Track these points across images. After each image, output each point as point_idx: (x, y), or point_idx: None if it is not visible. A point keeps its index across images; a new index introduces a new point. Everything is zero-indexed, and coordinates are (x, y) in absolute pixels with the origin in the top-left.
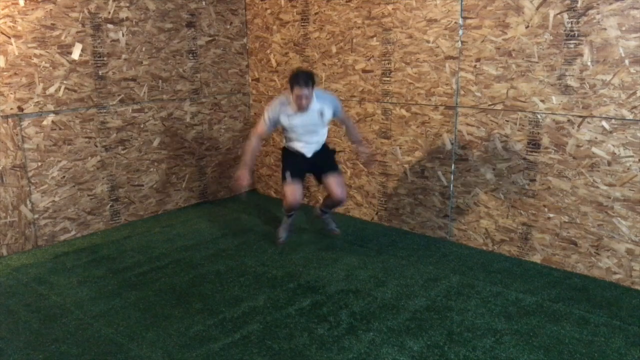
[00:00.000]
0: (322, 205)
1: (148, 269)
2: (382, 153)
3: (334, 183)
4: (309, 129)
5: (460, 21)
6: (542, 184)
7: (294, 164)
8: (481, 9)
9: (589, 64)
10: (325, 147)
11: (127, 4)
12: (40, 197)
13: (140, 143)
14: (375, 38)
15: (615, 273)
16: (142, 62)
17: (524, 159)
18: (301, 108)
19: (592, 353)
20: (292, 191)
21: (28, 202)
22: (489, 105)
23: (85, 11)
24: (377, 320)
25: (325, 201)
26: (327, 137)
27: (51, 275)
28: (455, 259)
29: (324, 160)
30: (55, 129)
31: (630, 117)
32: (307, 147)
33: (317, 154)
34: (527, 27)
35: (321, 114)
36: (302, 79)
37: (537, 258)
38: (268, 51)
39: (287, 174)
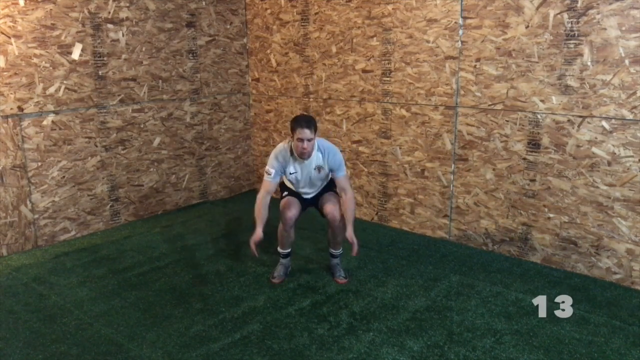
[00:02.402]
0: (329, 246)
1: (148, 269)
2: (382, 153)
3: (326, 200)
4: (309, 183)
5: (460, 21)
6: (542, 184)
7: (293, 192)
8: (481, 9)
9: (589, 64)
10: (327, 186)
11: (127, 4)
12: (40, 197)
13: (140, 143)
14: (375, 38)
15: (615, 273)
16: (142, 62)
17: (524, 159)
18: (302, 154)
19: (592, 353)
20: (288, 203)
21: (28, 202)
22: (489, 105)
23: (85, 11)
24: (377, 320)
25: (328, 237)
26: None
27: (51, 275)
28: (455, 259)
29: (323, 192)
30: (55, 129)
31: (630, 117)
32: (307, 192)
33: (318, 194)
34: (527, 27)
35: (319, 169)
36: (304, 121)
37: (537, 258)
38: (268, 51)
39: (285, 192)
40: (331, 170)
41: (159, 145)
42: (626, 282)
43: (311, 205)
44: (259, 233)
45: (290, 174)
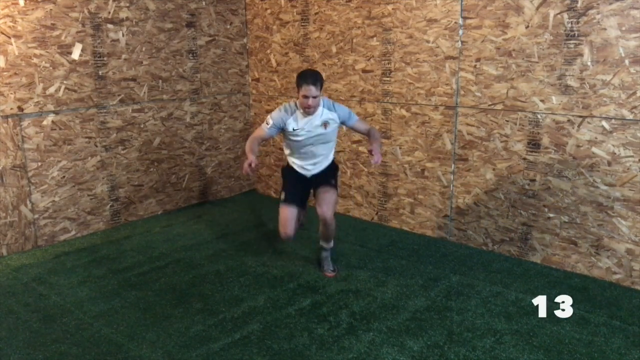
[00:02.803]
0: (320, 239)
1: (148, 269)
2: (382, 153)
3: (322, 198)
4: (312, 141)
5: (460, 21)
6: (542, 184)
7: (293, 185)
8: (481, 9)
9: (589, 64)
10: (328, 166)
11: (127, 4)
12: (40, 197)
13: (140, 143)
14: (375, 38)
15: (615, 273)
16: (142, 62)
17: (524, 159)
18: (308, 109)
19: (592, 353)
20: (285, 219)
21: (28, 202)
22: (489, 105)
23: (85, 11)
24: (377, 320)
25: (320, 230)
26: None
27: (51, 275)
28: (455, 259)
29: (323, 176)
30: (55, 129)
31: (630, 117)
32: (308, 163)
33: (318, 174)
34: (527, 27)
35: (325, 125)
36: (310, 77)
37: (537, 258)
38: (268, 51)
39: (283, 195)
40: (343, 123)
41: (159, 145)
42: (626, 282)
43: (310, 189)
44: (251, 158)
45: (294, 129)
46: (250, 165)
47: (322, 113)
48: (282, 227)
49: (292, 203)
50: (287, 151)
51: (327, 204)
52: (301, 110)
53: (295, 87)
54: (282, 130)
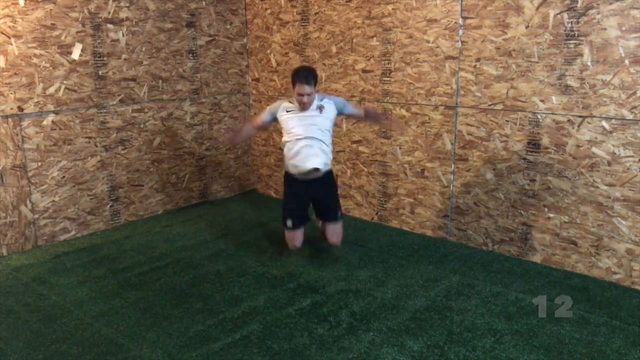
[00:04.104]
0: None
1: (148, 269)
2: (382, 153)
3: (331, 231)
4: (308, 127)
5: (460, 21)
6: (542, 184)
7: (295, 200)
8: (481, 9)
9: (589, 64)
10: (327, 177)
11: (127, 4)
12: (40, 197)
13: (140, 143)
14: (375, 38)
15: (615, 273)
16: (142, 62)
17: (524, 159)
18: (303, 106)
19: (592, 353)
20: (292, 239)
21: (28, 202)
22: (489, 105)
23: (85, 11)
24: (377, 320)
25: (322, 232)
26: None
27: (51, 275)
28: (455, 259)
29: (326, 201)
30: (55, 129)
31: (630, 117)
32: (309, 162)
33: (318, 187)
34: (527, 27)
35: (320, 109)
36: (304, 75)
37: (537, 258)
38: (268, 51)
39: (287, 220)
40: (340, 112)
41: (159, 145)
42: (626, 282)
43: (313, 202)
44: (229, 136)
45: (288, 111)
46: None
47: (317, 100)
48: (290, 243)
49: (296, 228)
50: (285, 151)
51: (336, 235)
52: (296, 105)
53: (291, 84)
54: (276, 119)
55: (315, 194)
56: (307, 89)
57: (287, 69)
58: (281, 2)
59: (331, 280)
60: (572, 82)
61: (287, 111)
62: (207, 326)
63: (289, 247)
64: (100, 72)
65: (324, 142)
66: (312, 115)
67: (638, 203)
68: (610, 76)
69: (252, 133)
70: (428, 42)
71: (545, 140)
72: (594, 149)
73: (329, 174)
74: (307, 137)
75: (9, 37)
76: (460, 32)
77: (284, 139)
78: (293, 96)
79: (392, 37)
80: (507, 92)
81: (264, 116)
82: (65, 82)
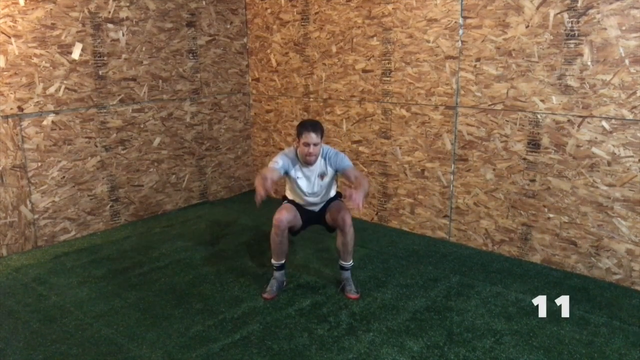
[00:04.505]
0: (339, 257)
1: (148, 270)
2: (382, 153)
3: (334, 209)
4: (312, 191)
5: (460, 21)
6: (542, 184)
7: (295, 203)
8: (481, 9)
9: (589, 63)
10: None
11: (127, 4)
12: (40, 197)
13: (140, 143)
14: (375, 38)
15: (615, 273)
16: (142, 62)
17: (524, 159)
18: (308, 159)
19: (592, 353)
20: (285, 208)
21: (28, 202)
22: (489, 105)
23: (85, 11)
24: (377, 321)
25: (337, 247)
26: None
27: (51, 276)
28: (455, 259)
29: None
30: (55, 129)
31: (630, 117)
32: (310, 205)
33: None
34: (527, 26)
35: (322, 177)
36: (311, 125)
37: (537, 258)
38: (268, 51)
39: (286, 202)
40: (337, 171)
41: (159, 145)
42: (626, 282)
43: (315, 223)
44: (267, 187)
45: (297, 178)
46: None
47: (320, 164)
48: (278, 213)
49: (292, 207)
50: (288, 192)
51: (341, 211)
52: (300, 162)
53: (296, 137)
54: (287, 173)
55: (317, 213)
56: (314, 137)
57: (287, 68)
58: (281, 1)
59: (331, 280)
60: (572, 82)
61: (297, 178)
62: (207, 326)
63: (273, 225)
64: (100, 72)
65: (327, 197)
66: (315, 182)
67: (638, 203)
68: (610, 76)
69: (272, 179)
70: (428, 41)
71: (545, 140)
72: (594, 149)
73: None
74: (314, 204)
75: (9, 37)
76: (461, 31)
77: (289, 190)
78: (292, 148)
79: (392, 36)
80: (507, 92)
81: (277, 168)
82: (65, 82)
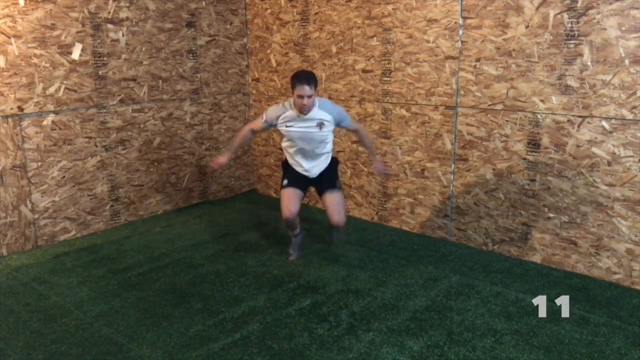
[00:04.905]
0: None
1: (148, 269)
2: (382, 153)
3: (330, 203)
4: (307, 141)
5: (460, 21)
6: (542, 184)
7: (294, 176)
8: (481, 9)
9: (589, 64)
10: (328, 165)
11: (127, 4)
12: (40, 197)
13: (140, 143)
14: (375, 38)
15: (615, 273)
16: (142, 62)
17: (524, 159)
18: (302, 109)
19: (592, 353)
20: (288, 198)
21: (28, 202)
22: (489, 105)
23: (85, 11)
24: (377, 320)
25: (329, 226)
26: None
27: (51, 275)
28: (455, 259)
29: (326, 178)
30: (55, 129)
31: (630, 117)
32: (307, 164)
33: (319, 175)
34: (527, 27)
35: (320, 126)
36: (304, 77)
37: (537, 258)
38: (268, 51)
39: (285, 181)
40: (337, 124)
41: (159, 145)
42: (626, 282)
43: (312, 184)
44: (222, 159)
45: (287, 127)
46: (217, 164)
47: (317, 113)
48: (285, 207)
49: (294, 186)
50: (285, 151)
51: (337, 210)
52: (296, 110)
53: (290, 88)
54: (275, 126)
55: (316, 180)
56: (307, 89)
57: (287, 69)
58: (281, 2)
59: (331, 280)
60: (572, 82)
61: (287, 125)
62: (207, 326)
63: (283, 217)
64: (100, 72)
65: (324, 151)
66: (312, 131)
67: (638, 203)
68: (610, 76)
69: (249, 137)
70: (428, 42)
71: (545, 140)
72: (594, 149)
73: (330, 162)
74: (309, 150)
75: (9, 37)
76: (460, 32)
77: (284, 143)
78: (292, 99)
79: (392, 37)
80: (507, 92)
81: (261, 124)
82: (65, 82)
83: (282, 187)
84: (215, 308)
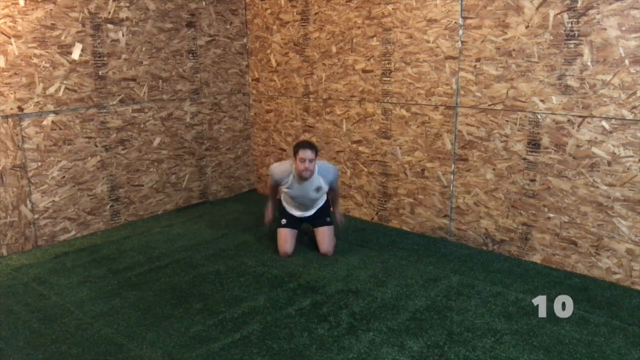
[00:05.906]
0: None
1: (148, 269)
2: (382, 153)
3: (321, 236)
4: (304, 198)
5: (460, 21)
6: (542, 184)
7: (291, 217)
8: (481, 9)
9: (589, 64)
10: (322, 205)
11: (127, 4)
12: (40, 197)
13: (140, 143)
14: (375, 38)
15: (615, 273)
16: (142, 62)
17: (524, 159)
18: (303, 175)
19: (592, 353)
20: (284, 238)
21: (28, 202)
22: (489, 105)
23: (85, 11)
24: (377, 320)
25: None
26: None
27: (51, 275)
28: (455, 259)
29: (319, 215)
30: (55, 129)
31: (630, 117)
32: (303, 212)
33: (313, 214)
34: (527, 27)
35: (317, 190)
36: (307, 143)
37: (537, 258)
38: (268, 51)
39: (284, 220)
40: (328, 185)
41: (159, 145)
42: (626, 282)
43: (307, 221)
44: (269, 214)
45: (288, 188)
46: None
47: (316, 180)
48: (281, 247)
49: (291, 227)
50: (283, 199)
51: (327, 241)
52: (297, 177)
53: (292, 155)
54: (280, 184)
55: (309, 218)
56: (309, 153)
57: (287, 69)
58: (281, 2)
59: (331, 280)
60: (572, 82)
61: (288, 187)
62: (207, 326)
63: (280, 254)
64: (100, 72)
65: (319, 203)
66: (309, 194)
67: (638, 203)
68: (610, 76)
69: (276, 189)
70: (428, 42)
71: (545, 140)
72: (594, 149)
73: (323, 204)
74: (305, 203)
75: (9, 37)
76: (460, 32)
77: (283, 195)
78: (294, 165)
79: (392, 37)
80: (507, 92)
81: (273, 182)
82: (65, 82)
83: (280, 225)
84: (215, 308)
